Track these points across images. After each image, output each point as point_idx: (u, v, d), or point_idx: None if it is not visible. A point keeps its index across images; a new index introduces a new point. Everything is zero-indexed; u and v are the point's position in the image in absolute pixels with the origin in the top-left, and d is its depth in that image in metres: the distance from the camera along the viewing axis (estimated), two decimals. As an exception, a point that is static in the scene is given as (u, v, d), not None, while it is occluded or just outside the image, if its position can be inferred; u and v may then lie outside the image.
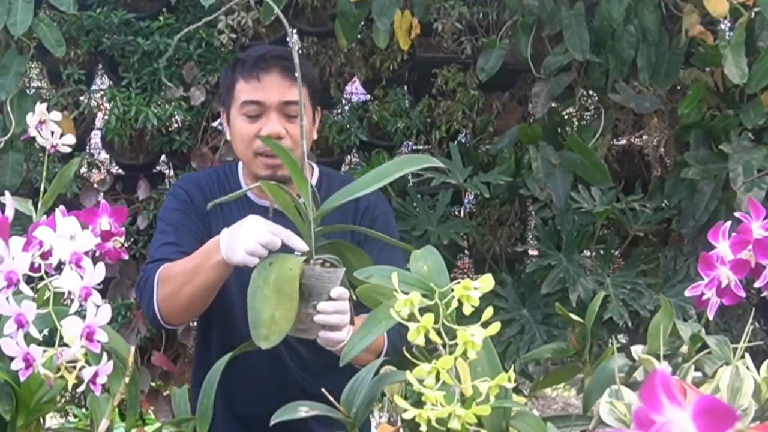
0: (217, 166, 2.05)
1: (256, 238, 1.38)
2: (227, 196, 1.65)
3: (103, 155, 2.69)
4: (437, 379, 0.91)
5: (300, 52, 2.68)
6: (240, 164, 1.80)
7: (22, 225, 1.30)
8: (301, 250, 1.36)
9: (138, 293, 1.65)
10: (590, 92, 2.61)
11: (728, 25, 2.45)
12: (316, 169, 1.80)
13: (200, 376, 1.66)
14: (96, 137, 2.66)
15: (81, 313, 1.01)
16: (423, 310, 0.94)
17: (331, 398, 1.16)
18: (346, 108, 2.66)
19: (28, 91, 2.46)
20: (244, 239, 1.39)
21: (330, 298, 1.29)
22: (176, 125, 2.51)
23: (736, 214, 1.15)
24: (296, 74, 1.29)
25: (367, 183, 1.31)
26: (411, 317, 0.93)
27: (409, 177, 2.62)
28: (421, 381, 0.92)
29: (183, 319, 1.63)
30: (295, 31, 2.68)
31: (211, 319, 1.71)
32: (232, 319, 1.69)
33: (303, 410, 1.14)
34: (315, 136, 1.80)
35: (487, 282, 0.95)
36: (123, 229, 1.32)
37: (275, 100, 1.65)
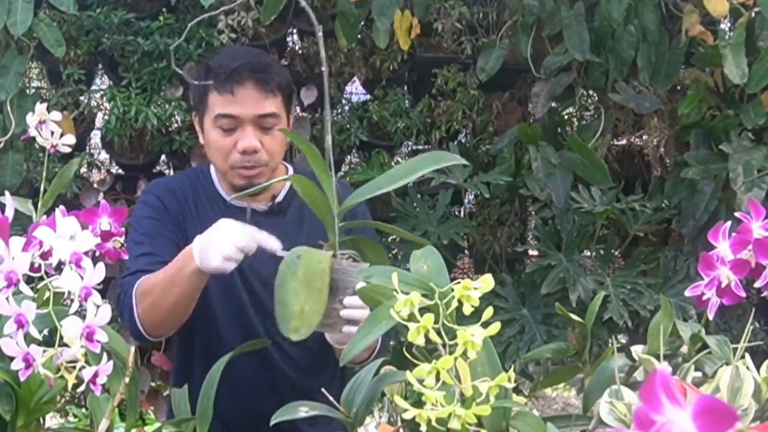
0: (188, 170, 2.01)
1: (234, 242, 1.38)
2: (248, 190, 1.61)
3: (103, 155, 2.69)
4: (437, 379, 0.91)
5: (300, 52, 2.68)
6: (212, 166, 1.79)
7: (22, 225, 1.30)
8: (276, 251, 1.35)
9: (118, 308, 1.61)
10: (590, 92, 2.61)
11: (728, 25, 2.46)
12: (290, 169, 1.79)
13: (181, 378, 1.65)
14: (96, 137, 2.66)
15: (81, 313, 1.01)
16: (423, 310, 0.94)
17: (330, 398, 1.16)
18: (346, 108, 2.66)
19: (28, 91, 2.46)
20: (221, 244, 1.39)
21: (355, 293, 1.29)
22: (176, 125, 2.51)
23: (736, 214, 1.15)
24: (323, 68, 1.28)
25: (393, 179, 1.31)
26: (411, 317, 0.93)
27: (409, 177, 2.61)
28: (421, 381, 0.92)
29: (167, 330, 1.62)
30: (294, 30, 2.68)
31: (194, 321, 1.67)
32: (214, 321, 1.68)
33: (303, 410, 1.14)
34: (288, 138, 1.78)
35: (487, 282, 0.95)
36: (123, 229, 1.32)
37: (250, 114, 1.62)
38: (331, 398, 1.16)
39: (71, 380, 1.03)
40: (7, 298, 1.00)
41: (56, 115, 1.43)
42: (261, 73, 1.64)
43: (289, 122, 1.74)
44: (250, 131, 1.63)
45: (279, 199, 1.74)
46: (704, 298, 1.14)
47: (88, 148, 2.66)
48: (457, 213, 2.66)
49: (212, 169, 1.78)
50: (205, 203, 1.73)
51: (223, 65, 1.65)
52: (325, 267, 1.25)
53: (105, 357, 1.05)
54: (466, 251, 2.75)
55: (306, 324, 1.21)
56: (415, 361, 0.95)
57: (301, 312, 1.21)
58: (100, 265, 1.04)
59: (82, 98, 2.49)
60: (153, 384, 2.49)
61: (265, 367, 1.70)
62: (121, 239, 1.31)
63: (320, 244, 1.31)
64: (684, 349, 1.20)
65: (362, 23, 2.44)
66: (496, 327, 0.93)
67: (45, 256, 1.05)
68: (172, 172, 2.65)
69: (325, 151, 1.29)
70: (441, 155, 1.36)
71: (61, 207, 1.17)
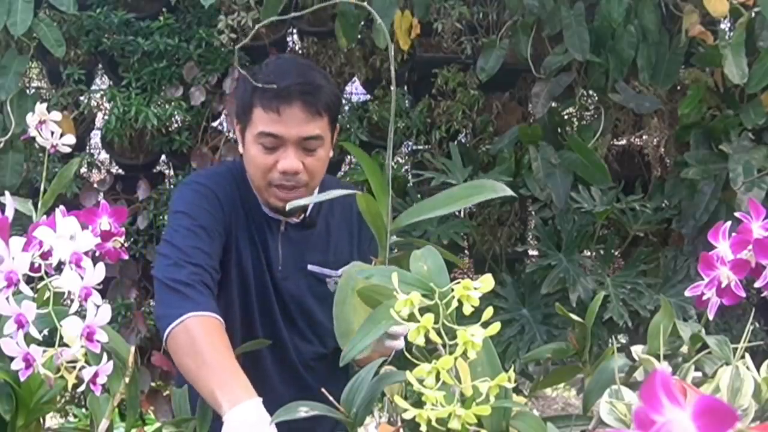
0: (228, 168, 1.85)
1: None
2: (308, 199, 1.55)
3: (103, 155, 2.69)
4: (437, 379, 0.91)
5: (300, 52, 2.68)
6: None
7: (22, 225, 1.31)
8: None
9: (158, 298, 1.53)
10: (590, 92, 2.61)
11: (728, 25, 2.46)
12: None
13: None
14: (96, 137, 2.66)
15: (81, 313, 1.01)
16: (423, 310, 0.94)
17: (331, 398, 1.16)
18: (346, 108, 2.66)
19: (28, 91, 2.46)
20: None
21: None
22: (176, 125, 2.51)
23: (736, 214, 1.15)
24: (392, 87, 1.27)
25: (440, 205, 1.33)
26: (411, 317, 0.93)
27: (409, 177, 2.62)
28: (421, 381, 0.92)
29: None
30: (294, 30, 2.68)
31: (234, 339, 1.57)
32: (254, 338, 1.66)
33: (303, 410, 1.14)
34: (331, 154, 1.71)
35: (487, 282, 0.95)
36: (123, 229, 1.31)
37: (294, 135, 1.56)
38: (331, 398, 1.16)
39: (71, 380, 1.03)
40: (7, 298, 1.00)
41: (56, 115, 1.43)
42: (310, 94, 1.57)
43: (333, 139, 1.67)
44: (292, 152, 1.57)
45: (308, 213, 1.73)
46: (704, 298, 1.14)
47: (88, 148, 2.66)
48: (457, 213, 2.66)
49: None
50: (249, 214, 1.68)
51: (270, 80, 1.55)
52: None
53: (105, 357, 1.05)
54: (466, 251, 2.75)
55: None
56: (415, 361, 0.95)
57: None
58: (100, 265, 1.04)
59: (82, 98, 2.49)
60: (153, 384, 2.49)
61: (292, 379, 1.69)
62: (121, 239, 1.30)
63: (370, 260, 1.31)
64: (684, 349, 1.21)
65: (362, 23, 2.44)
66: (496, 327, 0.93)
67: (45, 256, 1.05)
68: (172, 172, 2.65)
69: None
70: (495, 186, 1.36)
71: (61, 207, 1.17)
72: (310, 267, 1.68)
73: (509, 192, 1.32)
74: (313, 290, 1.69)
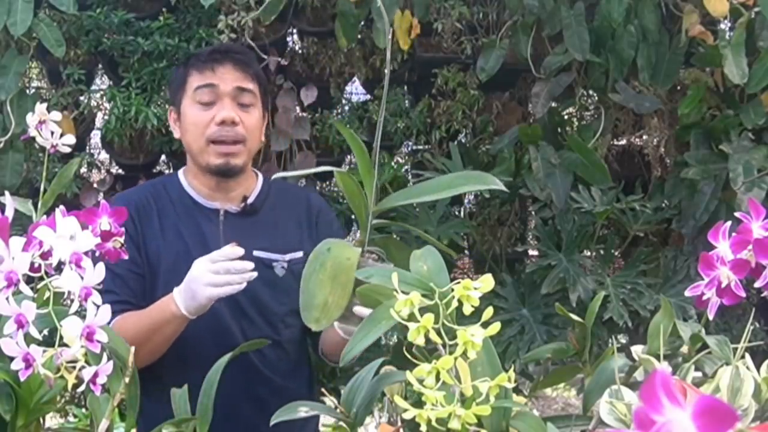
0: (153, 179, 1.99)
1: (209, 269, 1.44)
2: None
3: (103, 155, 2.69)
4: (437, 379, 0.91)
5: (300, 52, 2.68)
6: (180, 171, 1.79)
7: (22, 225, 1.31)
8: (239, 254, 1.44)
9: None
10: (590, 92, 2.60)
11: (728, 25, 2.46)
12: (260, 176, 1.80)
13: (149, 383, 1.58)
14: (96, 137, 2.66)
15: (81, 313, 1.01)
16: (423, 310, 0.94)
17: (332, 399, 1.16)
18: (346, 108, 2.65)
19: (28, 91, 2.46)
20: (201, 282, 1.45)
21: None
22: (176, 125, 2.51)
23: (736, 214, 1.15)
24: (386, 70, 1.30)
25: (428, 191, 1.36)
26: (411, 317, 0.93)
27: (409, 177, 2.62)
28: (421, 381, 0.92)
29: (148, 363, 1.63)
30: (294, 30, 2.68)
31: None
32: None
33: (303, 410, 1.14)
34: (262, 139, 1.79)
35: (487, 282, 0.95)
36: (123, 229, 1.31)
37: (229, 86, 1.68)
38: (331, 399, 1.16)
39: (71, 380, 1.02)
40: (7, 298, 1.00)
41: (56, 115, 1.43)
42: (241, 54, 1.71)
43: (265, 119, 1.77)
44: (228, 104, 1.67)
45: (251, 200, 1.74)
46: (704, 298, 1.14)
47: (88, 148, 2.65)
48: (457, 213, 2.66)
49: (180, 174, 1.78)
50: (169, 208, 1.72)
51: (203, 50, 1.76)
52: (353, 263, 1.26)
53: (105, 357, 1.05)
54: (466, 251, 2.75)
55: (327, 316, 1.22)
56: (415, 361, 0.95)
57: (324, 304, 1.22)
58: (100, 265, 1.04)
59: (82, 98, 2.49)
60: (153, 384, 2.48)
61: (244, 370, 1.67)
62: (121, 239, 1.30)
63: (342, 236, 1.33)
64: (684, 349, 1.20)
65: (362, 23, 2.44)
66: (496, 327, 0.93)
67: (45, 256, 1.05)
68: (171, 172, 2.64)
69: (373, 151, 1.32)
70: (485, 177, 1.38)
71: (61, 207, 1.17)
72: (255, 252, 1.68)
73: (499, 184, 1.33)
74: (260, 275, 1.68)
